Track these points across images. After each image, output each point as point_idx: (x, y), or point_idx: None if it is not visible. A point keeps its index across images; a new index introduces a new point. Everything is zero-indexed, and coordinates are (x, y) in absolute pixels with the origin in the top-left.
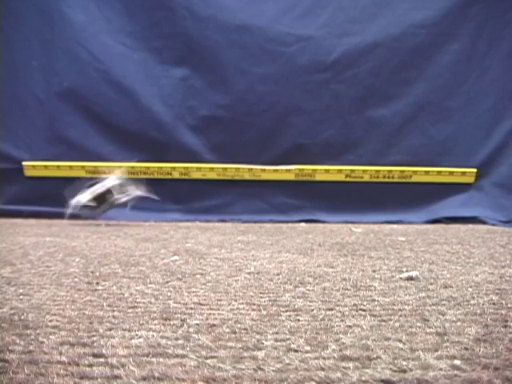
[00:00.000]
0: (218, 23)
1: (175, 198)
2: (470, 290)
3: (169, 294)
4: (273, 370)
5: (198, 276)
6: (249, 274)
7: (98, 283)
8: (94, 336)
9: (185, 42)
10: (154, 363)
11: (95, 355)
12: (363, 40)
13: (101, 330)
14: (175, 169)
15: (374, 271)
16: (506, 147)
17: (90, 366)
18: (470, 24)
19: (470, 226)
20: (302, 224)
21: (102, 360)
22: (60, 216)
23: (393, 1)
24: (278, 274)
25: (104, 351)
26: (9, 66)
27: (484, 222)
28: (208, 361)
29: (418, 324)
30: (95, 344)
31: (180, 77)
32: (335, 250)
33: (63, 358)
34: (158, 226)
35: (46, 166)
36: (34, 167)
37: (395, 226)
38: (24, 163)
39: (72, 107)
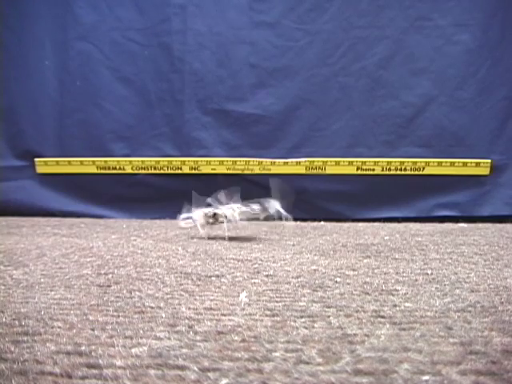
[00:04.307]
0: (227, 19)
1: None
2: (498, 295)
3: (180, 297)
4: None
5: (213, 278)
6: (266, 276)
7: (108, 286)
8: (93, 344)
9: (194, 38)
10: (152, 376)
11: (90, 366)
12: (371, 32)
13: (102, 338)
14: (185, 163)
15: (397, 273)
16: None
17: (83, 378)
18: (480, 13)
19: (499, 225)
20: (322, 223)
21: (96, 372)
22: (64, 215)
23: None
24: (296, 277)
25: (100, 361)
26: (21, 66)
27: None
28: (210, 374)
29: (441, 333)
30: (93, 353)
31: (189, 72)
32: (358, 252)
33: (56, 369)
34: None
35: (57, 162)
36: (45, 163)
37: (419, 225)
38: (36, 159)
39: (84, 105)
